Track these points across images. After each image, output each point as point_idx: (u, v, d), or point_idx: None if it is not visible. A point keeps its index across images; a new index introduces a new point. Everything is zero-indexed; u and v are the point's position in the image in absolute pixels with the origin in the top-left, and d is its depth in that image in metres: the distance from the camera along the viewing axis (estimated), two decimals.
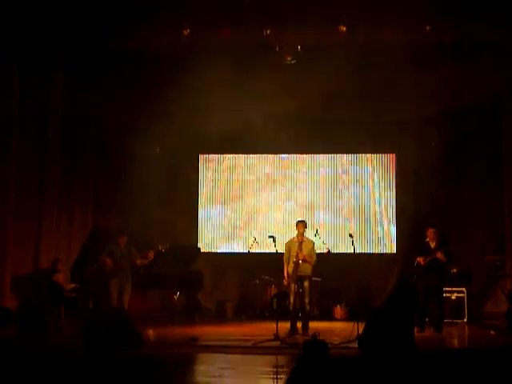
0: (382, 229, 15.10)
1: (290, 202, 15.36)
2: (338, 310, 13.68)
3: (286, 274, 11.32)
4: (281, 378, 7.73)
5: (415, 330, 9.75)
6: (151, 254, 11.81)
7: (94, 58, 13.52)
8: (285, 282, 11.44)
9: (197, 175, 15.64)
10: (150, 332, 11.59)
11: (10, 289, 12.22)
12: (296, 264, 11.13)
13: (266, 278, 14.16)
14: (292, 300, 11.30)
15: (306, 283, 11.23)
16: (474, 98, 13.57)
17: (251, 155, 15.59)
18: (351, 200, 15.25)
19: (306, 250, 11.23)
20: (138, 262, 11.80)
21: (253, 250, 12.75)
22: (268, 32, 12.12)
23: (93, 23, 12.15)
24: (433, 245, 11.69)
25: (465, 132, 14.43)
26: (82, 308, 12.23)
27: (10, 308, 11.03)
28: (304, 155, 15.44)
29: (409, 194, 14.86)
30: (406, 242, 14.57)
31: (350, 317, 13.19)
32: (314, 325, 11.49)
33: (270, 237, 11.08)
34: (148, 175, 15.03)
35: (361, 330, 9.82)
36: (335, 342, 9.70)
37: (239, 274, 15.18)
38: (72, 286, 12.63)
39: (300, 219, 11.77)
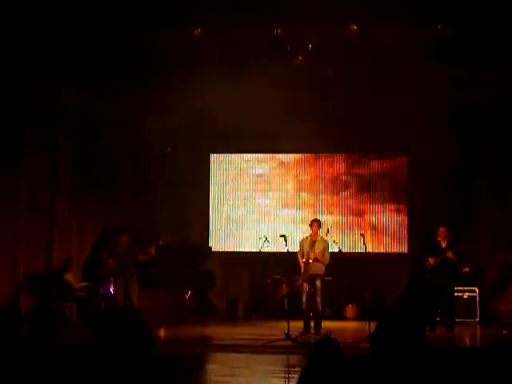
0: (394, 228, 15.05)
1: (301, 201, 15.34)
2: (350, 310, 13.66)
3: (302, 270, 11.29)
4: (292, 378, 7.73)
5: (426, 329, 9.74)
6: (152, 250, 11.76)
7: (103, 59, 13.57)
8: (299, 282, 11.42)
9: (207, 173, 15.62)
10: (162, 331, 11.62)
11: (23, 287, 12.27)
12: (306, 264, 11.13)
13: (278, 277, 14.16)
14: (304, 299, 11.29)
15: (318, 282, 11.22)
16: (487, 96, 13.49)
17: (262, 155, 15.58)
18: (362, 199, 15.19)
19: (318, 250, 11.22)
20: (141, 258, 11.76)
21: (264, 249, 12.77)
22: (279, 31, 12.11)
23: (104, 22, 12.17)
24: (444, 244, 11.67)
25: (477, 131, 14.36)
26: (93, 307, 12.26)
27: (19, 308, 11.02)
28: (315, 154, 15.40)
29: (420, 194, 14.81)
30: (418, 242, 14.55)
31: (362, 316, 13.17)
32: (325, 324, 11.48)
33: (281, 236, 11.08)
34: (159, 175, 15.07)
35: (372, 330, 9.80)
36: (347, 342, 9.69)
37: (250, 273, 15.19)
38: (83, 284, 12.67)
39: (315, 218, 11.75)
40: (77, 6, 11.70)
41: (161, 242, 11.88)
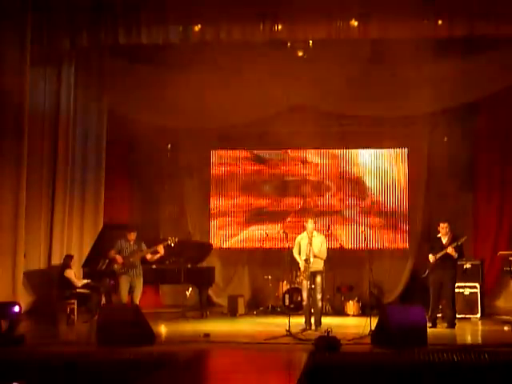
0: (394, 224, 15.04)
1: (302, 197, 15.32)
2: (351, 306, 13.63)
3: (302, 268, 11.30)
4: (293, 374, 7.72)
5: (427, 325, 9.73)
6: (161, 249, 11.81)
7: (103, 55, 13.55)
8: (300, 278, 11.42)
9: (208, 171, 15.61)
10: (162, 328, 11.61)
11: (23, 284, 12.25)
12: (307, 261, 11.13)
13: (278, 273, 14.13)
14: (305, 296, 11.31)
15: (319, 279, 11.23)
16: (488, 91, 13.45)
17: (263, 151, 15.56)
18: (363, 195, 15.18)
19: (316, 246, 11.23)
20: (149, 257, 11.80)
21: (265, 246, 12.80)
22: (279, 27, 12.08)
23: (103, 19, 12.14)
24: (445, 240, 11.64)
25: (478, 126, 14.33)
26: (94, 304, 12.25)
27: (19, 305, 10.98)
28: (315, 150, 15.38)
29: (421, 190, 14.81)
30: (419, 238, 14.54)
31: (363, 312, 13.18)
32: (326, 320, 11.48)
33: (283, 232, 11.07)
34: (159, 172, 15.06)
35: (373, 326, 9.80)
36: (347, 338, 9.67)
37: (251, 270, 15.19)
38: (84, 282, 12.65)
39: (310, 216, 11.77)
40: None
41: (169, 242, 11.90)
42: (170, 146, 15.18)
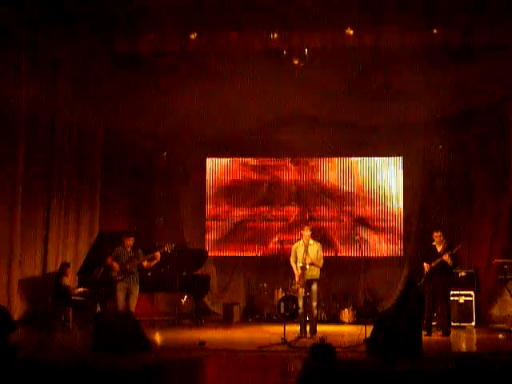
0: (390, 232, 15.06)
1: (297, 205, 15.33)
2: (346, 314, 13.66)
3: (296, 277, 11.31)
4: (289, 382, 7.72)
5: (422, 333, 9.74)
6: (157, 256, 11.79)
7: (98, 62, 13.56)
8: (296, 286, 11.44)
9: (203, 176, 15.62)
10: (157, 336, 11.59)
11: (18, 292, 12.23)
12: (303, 268, 11.14)
13: (273, 281, 14.14)
14: (301, 304, 11.31)
15: (314, 287, 11.24)
16: (483, 100, 13.51)
17: (258, 159, 15.58)
18: (358, 203, 15.21)
19: (312, 254, 11.24)
20: (145, 264, 11.77)
21: (260, 254, 12.81)
22: (275, 36, 12.11)
23: (100, 27, 12.16)
24: (439, 248, 11.68)
25: (474, 135, 14.37)
26: (90, 311, 12.23)
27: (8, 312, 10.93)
28: (311, 158, 15.41)
29: (416, 197, 14.84)
30: (414, 246, 14.56)
31: (358, 320, 13.18)
32: (321, 328, 11.49)
33: (278, 241, 11.08)
34: (155, 179, 15.07)
35: (368, 334, 9.80)
36: (343, 346, 9.67)
37: (246, 278, 15.19)
38: (80, 289, 12.64)
39: (306, 223, 11.78)
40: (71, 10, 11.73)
41: (166, 249, 11.87)
42: (165, 153, 15.20)
